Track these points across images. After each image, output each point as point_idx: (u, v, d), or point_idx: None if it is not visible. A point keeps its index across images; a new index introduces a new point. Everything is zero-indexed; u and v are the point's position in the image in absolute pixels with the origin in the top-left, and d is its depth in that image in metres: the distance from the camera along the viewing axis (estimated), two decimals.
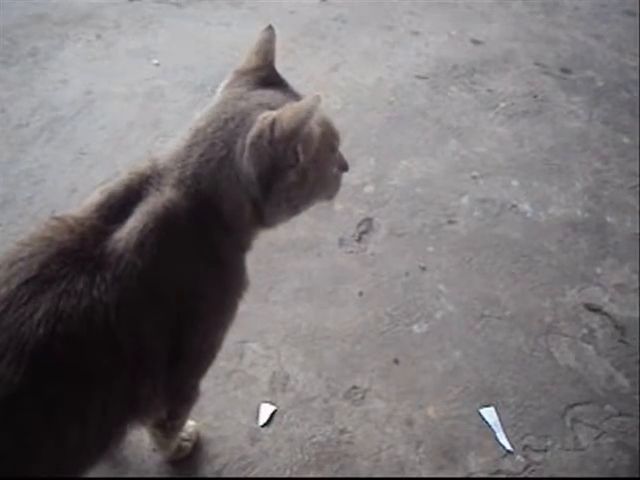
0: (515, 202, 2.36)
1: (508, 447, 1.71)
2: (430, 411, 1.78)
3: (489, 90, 2.86)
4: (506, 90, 2.87)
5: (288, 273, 2.08)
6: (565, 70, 3.02)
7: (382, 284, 2.07)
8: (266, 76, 1.24)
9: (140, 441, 1.64)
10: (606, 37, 3.13)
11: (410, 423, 1.75)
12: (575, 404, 1.82)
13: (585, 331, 2.00)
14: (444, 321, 1.99)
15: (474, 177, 2.44)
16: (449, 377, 1.86)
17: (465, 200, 2.35)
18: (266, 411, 1.75)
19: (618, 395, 1.85)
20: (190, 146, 1.15)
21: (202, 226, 1.16)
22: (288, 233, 2.18)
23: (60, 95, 2.69)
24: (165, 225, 1.09)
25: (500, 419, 1.77)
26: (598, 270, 2.18)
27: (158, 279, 1.10)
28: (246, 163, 1.11)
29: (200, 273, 1.18)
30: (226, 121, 1.14)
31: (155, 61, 2.87)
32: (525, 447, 1.72)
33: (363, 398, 1.79)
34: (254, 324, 1.94)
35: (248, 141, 1.10)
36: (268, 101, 1.17)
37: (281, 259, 2.11)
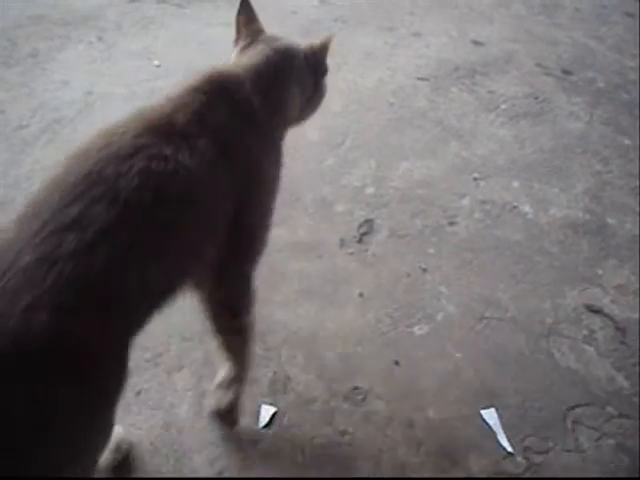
0: (516, 203, 2.36)
1: (509, 449, 1.71)
2: (431, 412, 1.78)
3: (490, 91, 2.86)
4: (507, 91, 2.87)
5: (289, 274, 2.08)
6: (566, 71, 3.02)
7: (383, 285, 2.07)
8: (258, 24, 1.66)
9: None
10: (606, 38, 3.13)
11: (411, 424, 1.75)
12: (576, 405, 1.82)
13: (586, 332, 2.00)
14: (445, 322, 1.98)
15: (475, 179, 2.44)
16: (450, 378, 1.86)
17: (466, 201, 2.35)
18: (267, 412, 1.75)
19: (619, 396, 1.85)
20: (264, 62, 1.53)
21: (268, 117, 1.49)
22: (289, 234, 2.19)
23: (61, 96, 2.70)
24: (242, 112, 1.43)
25: (501, 420, 1.77)
26: (599, 271, 2.18)
27: (234, 153, 1.38)
28: (306, 72, 1.61)
29: (265, 153, 1.50)
30: (279, 50, 1.57)
31: (156, 62, 2.87)
32: (526, 449, 1.72)
33: (364, 399, 1.79)
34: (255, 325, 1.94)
35: (304, 53, 1.60)
36: (292, 41, 1.63)
37: (282, 260, 2.11)
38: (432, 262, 2.15)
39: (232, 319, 1.57)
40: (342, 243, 2.18)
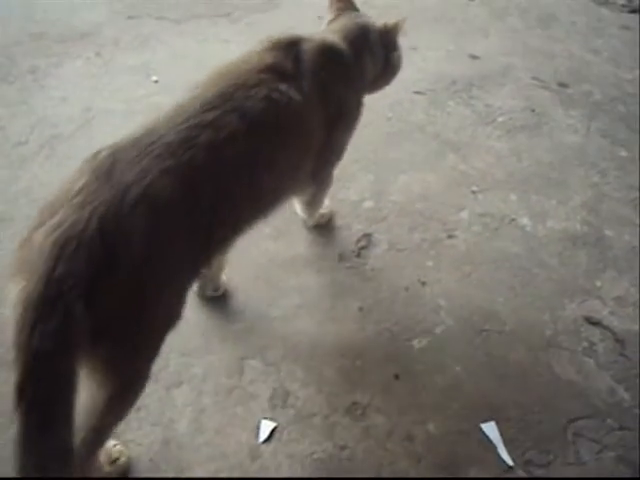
0: (514, 216, 2.36)
1: (509, 462, 1.71)
2: (431, 426, 1.78)
3: (487, 105, 2.88)
4: (504, 105, 2.88)
5: (288, 289, 2.08)
6: (562, 84, 3.03)
7: (382, 299, 2.07)
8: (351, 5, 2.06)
9: None
10: (602, 51, 3.15)
11: (411, 438, 1.74)
12: (576, 418, 1.82)
13: (585, 344, 2.00)
14: (444, 336, 1.98)
15: (473, 192, 2.45)
16: (450, 392, 1.85)
17: (464, 215, 2.36)
18: (266, 427, 1.74)
19: (619, 409, 1.85)
20: (348, 31, 1.91)
21: (353, 65, 1.89)
22: (288, 249, 2.19)
23: (59, 112, 2.70)
24: (336, 64, 1.84)
25: (501, 434, 1.76)
26: (597, 283, 2.18)
27: (329, 96, 1.77)
28: (379, 46, 1.95)
29: (349, 92, 1.90)
30: (363, 24, 1.95)
31: (154, 78, 2.88)
32: (527, 462, 1.72)
33: (363, 414, 1.79)
34: (254, 340, 1.94)
35: (378, 30, 1.95)
36: (368, 18, 2.00)
37: (281, 275, 2.11)
38: (431, 275, 2.15)
39: (309, 208, 2.17)
40: (341, 257, 2.18)
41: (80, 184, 1.28)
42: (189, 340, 1.93)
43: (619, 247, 2.30)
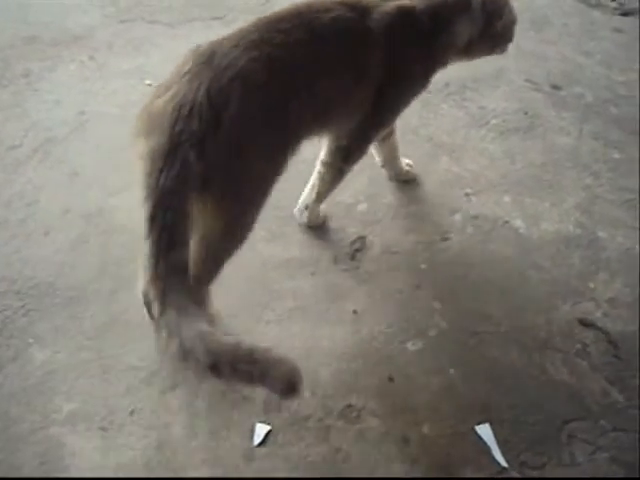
0: (507, 218, 2.37)
1: (504, 464, 1.71)
2: (425, 429, 1.78)
3: (480, 107, 2.88)
4: (497, 107, 2.89)
5: (282, 292, 2.08)
6: (555, 86, 3.04)
7: (376, 302, 2.07)
8: None
9: None
10: (595, 54, 3.16)
11: (405, 441, 1.75)
12: (570, 420, 1.82)
13: (579, 346, 2.01)
14: (438, 338, 1.99)
15: (466, 194, 2.45)
16: (444, 394, 1.86)
17: (458, 217, 2.36)
18: (261, 431, 1.74)
19: (613, 410, 1.85)
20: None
21: (430, 35, 1.97)
22: (282, 251, 2.19)
23: (53, 116, 2.70)
24: (409, 21, 1.94)
25: (495, 436, 1.77)
26: (591, 285, 2.19)
27: (393, 47, 1.90)
28: (479, 13, 1.99)
29: (414, 62, 1.99)
30: None
31: (148, 81, 2.88)
32: (521, 464, 1.72)
33: (358, 417, 1.79)
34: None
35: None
36: None
37: (275, 278, 2.11)
38: (425, 278, 2.15)
39: (339, 160, 2.12)
40: (335, 260, 2.18)
41: (187, 67, 1.61)
42: None
43: (612, 249, 2.31)
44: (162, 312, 1.45)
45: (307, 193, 2.24)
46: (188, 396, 1.82)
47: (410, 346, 1.96)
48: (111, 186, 2.37)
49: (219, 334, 1.42)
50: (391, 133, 2.30)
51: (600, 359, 1.98)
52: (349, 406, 1.81)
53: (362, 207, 2.36)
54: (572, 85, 2.95)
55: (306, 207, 2.24)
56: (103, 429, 1.75)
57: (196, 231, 1.62)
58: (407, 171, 2.47)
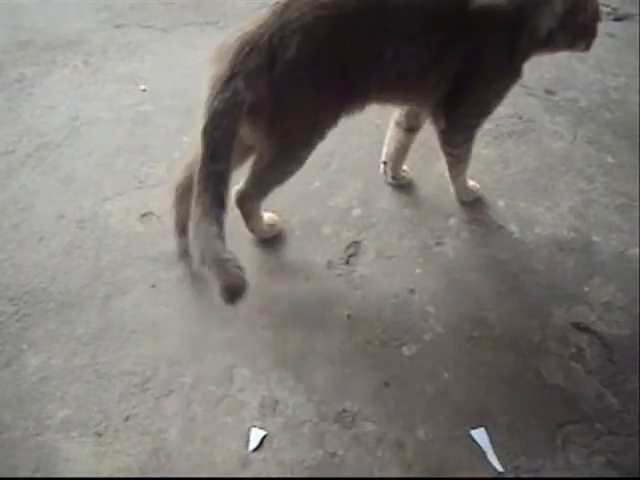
0: (502, 223, 2.37)
1: (499, 468, 1.71)
2: (420, 433, 1.78)
3: None
4: None
5: (277, 296, 2.08)
6: (549, 91, 3.05)
7: (371, 307, 2.07)
8: None
9: None
10: (588, 59, 3.16)
11: (401, 446, 1.75)
12: (565, 423, 1.82)
13: (574, 350, 2.01)
14: (433, 343, 1.99)
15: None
16: (439, 399, 1.86)
17: (452, 222, 2.36)
18: (256, 436, 1.74)
19: (607, 414, 1.85)
20: None
21: (512, 27, 2.00)
22: (277, 257, 2.19)
23: (47, 121, 2.70)
24: (491, 12, 1.96)
25: (491, 440, 1.77)
26: (585, 289, 2.19)
27: (479, 43, 1.99)
28: (560, 3, 1.98)
29: (496, 53, 2.03)
30: None
31: (142, 86, 2.88)
32: (516, 468, 1.72)
33: (353, 421, 1.79)
34: (243, 349, 1.94)
35: None
36: None
37: (270, 283, 2.11)
38: (419, 283, 2.15)
39: (446, 146, 2.26)
40: (329, 265, 2.18)
41: (262, 16, 1.81)
42: (178, 349, 1.93)
43: (606, 252, 2.31)
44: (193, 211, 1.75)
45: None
46: (183, 402, 1.81)
47: (405, 351, 1.96)
48: (105, 191, 2.38)
49: (218, 241, 1.70)
50: (418, 128, 2.35)
51: (595, 363, 1.98)
52: (344, 411, 1.81)
53: (356, 212, 2.36)
54: (566, 90, 2.96)
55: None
56: (98, 435, 1.74)
57: (256, 152, 1.99)
58: (403, 175, 2.47)
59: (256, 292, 2.06)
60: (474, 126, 2.22)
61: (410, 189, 2.48)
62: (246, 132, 1.85)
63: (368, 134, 2.65)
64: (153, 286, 2.10)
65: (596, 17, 2.08)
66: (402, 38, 1.91)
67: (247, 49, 1.77)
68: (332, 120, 1.97)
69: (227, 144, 1.76)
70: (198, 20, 3.39)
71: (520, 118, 2.87)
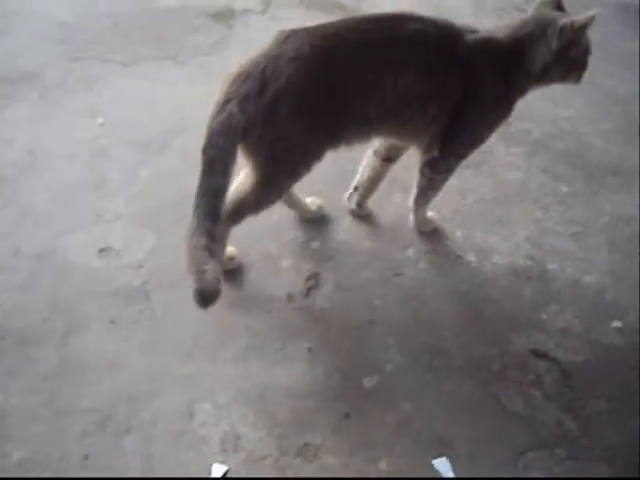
0: (460, 253, 2.40)
1: None
2: (383, 464, 1.78)
3: None
4: None
5: (237, 331, 2.07)
6: None
7: (331, 339, 2.07)
8: (553, 5, 2.13)
9: None
10: (541, 91, 3.24)
11: (363, 477, 1.74)
12: (526, 450, 1.85)
13: (532, 377, 2.04)
14: (394, 373, 2.00)
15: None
16: (401, 429, 1.87)
17: (410, 252, 2.39)
18: (218, 471, 1.73)
19: (567, 439, 1.89)
20: (520, 26, 2.10)
21: (509, 62, 2.09)
22: (236, 290, 2.18)
23: (3, 155, 2.67)
24: (492, 48, 2.08)
25: (453, 469, 1.78)
26: (543, 316, 2.22)
27: (477, 79, 2.08)
28: (555, 39, 2.02)
29: (493, 86, 2.11)
30: (543, 19, 2.07)
31: (100, 120, 2.87)
32: None
33: (315, 454, 1.78)
34: (204, 383, 1.92)
35: (559, 27, 2.01)
36: (562, 15, 2.08)
37: (230, 317, 2.10)
38: (379, 314, 2.16)
39: (428, 168, 2.28)
40: (289, 298, 2.18)
41: (266, 47, 1.93)
42: (137, 385, 1.91)
43: (562, 280, 2.35)
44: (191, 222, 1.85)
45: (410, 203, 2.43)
46: (143, 439, 1.79)
47: (366, 382, 1.97)
48: (63, 226, 2.35)
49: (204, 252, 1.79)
50: (396, 159, 2.40)
51: (553, 389, 2.01)
52: (306, 445, 1.81)
53: (315, 244, 2.37)
54: (520, 121, 3.01)
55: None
56: (55, 474, 1.71)
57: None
58: (366, 207, 2.50)
59: (216, 326, 2.07)
60: (462, 156, 2.28)
61: (368, 220, 2.50)
62: (240, 155, 1.94)
63: (327, 167, 2.65)
64: (112, 322, 2.07)
65: (587, 50, 2.13)
66: (402, 70, 1.98)
67: (242, 77, 1.89)
68: (321, 151, 2.04)
69: (223, 162, 1.87)
70: (157, 54, 3.38)
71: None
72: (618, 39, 3.98)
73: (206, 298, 1.74)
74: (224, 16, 3.67)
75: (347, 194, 2.48)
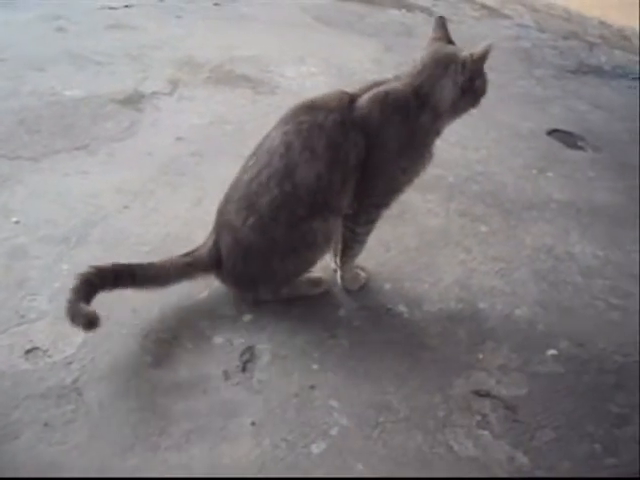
0: (390, 305, 2.42)
1: None
2: None
3: None
4: None
5: (176, 415, 2.01)
6: None
7: (273, 410, 2.04)
8: (445, 39, 2.28)
9: None
10: (449, 137, 3.33)
11: None
12: None
13: (479, 418, 2.04)
14: (341, 436, 1.97)
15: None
16: None
17: (342, 312, 2.39)
18: None
19: (520, 474, 1.89)
20: (420, 70, 2.19)
21: (413, 109, 2.18)
22: (170, 374, 2.13)
23: None
24: (389, 99, 2.19)
25: None
26: (480, 356, 2.25)
27: (379, 133, 2.17)
28: (459, 74, 2.15)
29: (395, 133, 2.19)
30: (444, 55, 2.19)
31: (14, 219, 2.81)
32: None
33: None
34: (148, 474, 1.86)
35: (460, 62, 2.15)
36: (458, 49, 2.23)
37: (166, 402, 2.04)
38: (319, 378, 2.14)
39: (351, 222, 2.34)
40: (226, 375, 2.14)
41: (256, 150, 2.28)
42: None
43: (494, 317, 2.40)
44: None
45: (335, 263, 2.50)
46: None
47: (314, 449, 1.93)
48: None
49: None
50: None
51: (501, 426, 2.02)
52: None
53: (247, 317, 2.34)
54: (433, 168, 3.07)
55: (334, 270, 2.49)
56: None
57: None
58: None
59: (154, 414, 2.01)
60: (383, 205, 2.33)
61: None
62: None
63: None
64: (46, 424, 1.99)
65: (485, 76, 2.24)
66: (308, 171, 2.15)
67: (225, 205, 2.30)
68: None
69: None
70: (67, 146, 3.36)
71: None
72: (514, 79, 4.17)
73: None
74: (133, 101, 3.71)
75: None
